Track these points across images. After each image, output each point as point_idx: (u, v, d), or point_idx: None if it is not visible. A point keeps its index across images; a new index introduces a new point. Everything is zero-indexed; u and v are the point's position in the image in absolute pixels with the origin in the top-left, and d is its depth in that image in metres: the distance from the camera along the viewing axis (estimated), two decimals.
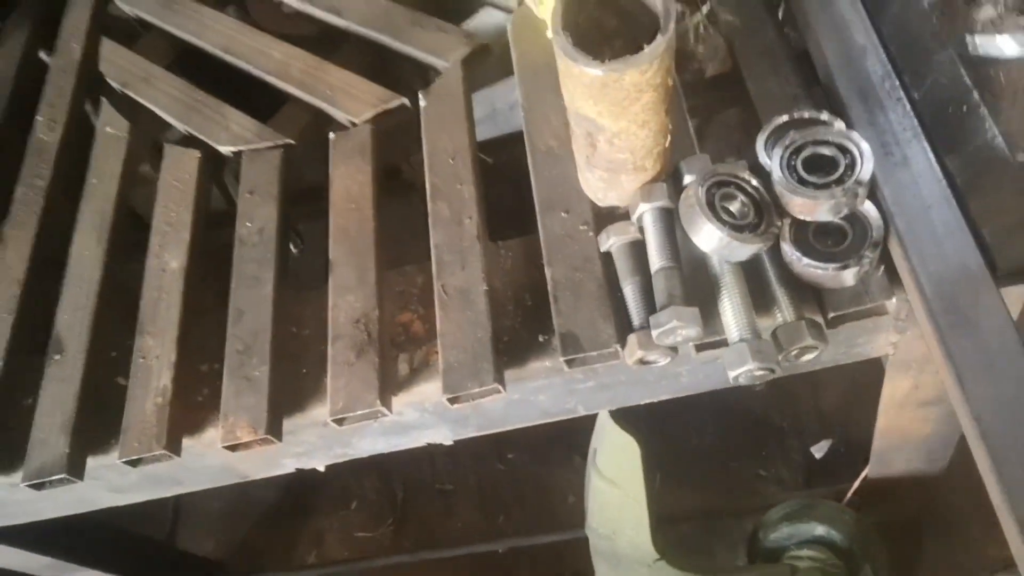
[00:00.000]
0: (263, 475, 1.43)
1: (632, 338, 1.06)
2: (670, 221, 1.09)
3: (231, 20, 1.64)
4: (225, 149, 1.48)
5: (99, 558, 1.94)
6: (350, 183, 1.35)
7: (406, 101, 1.41)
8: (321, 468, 1.44)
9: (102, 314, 1.37)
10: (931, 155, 1.04)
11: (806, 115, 1.08)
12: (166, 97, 1.58)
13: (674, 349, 1.07)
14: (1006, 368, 0.88)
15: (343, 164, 1.37)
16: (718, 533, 2.07)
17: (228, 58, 1.59)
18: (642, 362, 1.08)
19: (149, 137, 1.60)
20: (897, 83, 1.10)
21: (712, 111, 1.28)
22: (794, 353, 1.02)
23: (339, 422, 1.17)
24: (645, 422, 1.47)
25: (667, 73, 0.91)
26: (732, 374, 1.00)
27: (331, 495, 2.45)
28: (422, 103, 1.38)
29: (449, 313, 1.17)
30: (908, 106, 1.08)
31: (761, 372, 0.98)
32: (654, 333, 1.02)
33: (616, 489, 1.65)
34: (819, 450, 2.12)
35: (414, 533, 2.32)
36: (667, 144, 1.06)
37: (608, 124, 0.95)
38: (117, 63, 1.67)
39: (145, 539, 2.24)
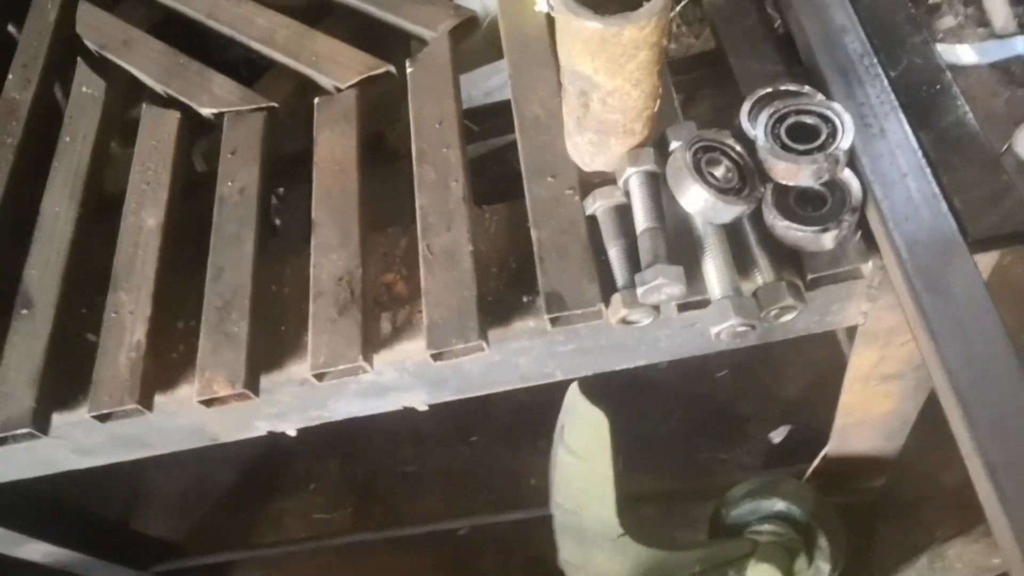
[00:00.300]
0: (233, 437, 1.41)
1: (616, 297, 1.09)
2: (656, 185, 1.12)
3: None
4: (206, 111, 1.46)
5: (53, 533, 1.89)
6: (334, 146, 1.34)
7: (392, 68, 1.41)
8: (292, 432, 1.43)
9: (73, 270, 1.35)
10: (907, 128, 1.08)
11: (788, 88, 1.12)
12: (146, 60, 1.56)
13: (656, 309, 1.09)
14: (977, 327, 0.93)
15: (328, 128, 1.37)
16: (680, 515, 2.10)
17: (211, 24, 1.57)
18: (625, 321, 1.10)
19: (124, 99, 1.58)
20: (875, 61, 1.15)
21: (696, 88, 1.31)
22: (773, 313, 1.05)
23: (319, 377, 1.17)
24: (609, 408, 1.51)
25: (662, 33, 0.93)
26: (714, 330, 1.02)
27: (292, 478, 2.43)
28: (409, 70, 1.39)
29: (434, 272, 1.18)
30: (885, 82, 1.13)
31: (743, 328, 1.01)
32: (639, 291, 1.04)
33: (583, 463, 1.67)
34: (778, 435, 2.17)
35: (376, 515, 2.31)
36: (655, 108, 1.09)
37: (603, 82, 0.97)
38: (95, 25, 1.64)
39: (100, 517, 2.19)
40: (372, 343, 1.19)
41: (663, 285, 1.03)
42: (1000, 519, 0.83)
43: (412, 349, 1.21)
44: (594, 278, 1.11)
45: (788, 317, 1.07)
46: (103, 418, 1.22)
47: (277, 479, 2.44)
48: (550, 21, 1.36)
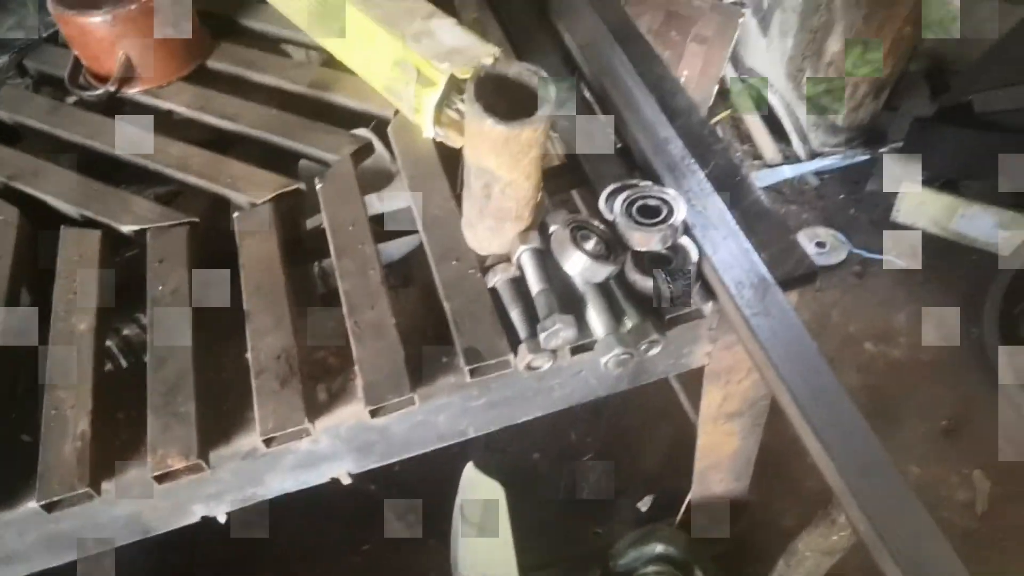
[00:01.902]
0: (167, 527, 1.48)
1: (522, 347, 1.34)
2: (543, 259, 1.41)
3: None
4: (127, 229, 1.61)
5: None
6: (258, 249, 1.54)
7: (302, 185, 1.65)
8: (222, 518, 1.52)
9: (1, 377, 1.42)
10: (722, 206, 1.45)
11: (633, 182, 1.47)
12: (59, 188, 1.70)
13: (554, 354, 1.35)
14: (791, 336, 1.26)
15: (250, 236, 1.56)
16: None
17: (122, 155, 1.75)
18: (530, 367, 1.35)
19: (36, 225, 1.70)
20: (692, 161, 1.53)
21: (558, 191, 1.64)
22: (644, 347, 1.34)
23: (268, 443, 1.31)
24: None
25: (546, 136, 1.25)
26: (603, 359, 1.30)
27: None
28: (319, 186, 1.63)
29: (364, 343, 1.38)
30: (702, 176, 1.51)
31: (624, 356, 1.29)
32: (542, 336, 1.31)
33: (485, 534, 1.85)
34: (644, 504, 2.44)
35: None
36: (539, 199, 1.39)
37: (504, 175, 1.27)
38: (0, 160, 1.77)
39: None
40: (314, 409, 1.35)
41: (560, 329, 1.30)
42: (827, 464, 1.12)
43: (348, 413, 1.38)
44: (502, 335, 1.36)
45: (655, 351, 1.36)
46: (50, 507, 1.28)
47: None
48: (436, 144, 1.66)
